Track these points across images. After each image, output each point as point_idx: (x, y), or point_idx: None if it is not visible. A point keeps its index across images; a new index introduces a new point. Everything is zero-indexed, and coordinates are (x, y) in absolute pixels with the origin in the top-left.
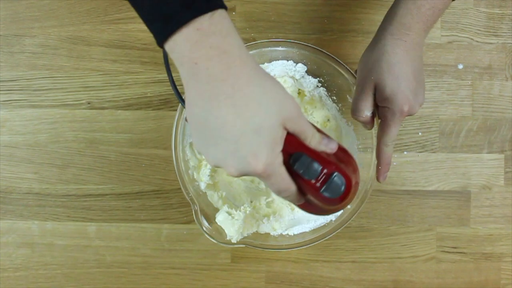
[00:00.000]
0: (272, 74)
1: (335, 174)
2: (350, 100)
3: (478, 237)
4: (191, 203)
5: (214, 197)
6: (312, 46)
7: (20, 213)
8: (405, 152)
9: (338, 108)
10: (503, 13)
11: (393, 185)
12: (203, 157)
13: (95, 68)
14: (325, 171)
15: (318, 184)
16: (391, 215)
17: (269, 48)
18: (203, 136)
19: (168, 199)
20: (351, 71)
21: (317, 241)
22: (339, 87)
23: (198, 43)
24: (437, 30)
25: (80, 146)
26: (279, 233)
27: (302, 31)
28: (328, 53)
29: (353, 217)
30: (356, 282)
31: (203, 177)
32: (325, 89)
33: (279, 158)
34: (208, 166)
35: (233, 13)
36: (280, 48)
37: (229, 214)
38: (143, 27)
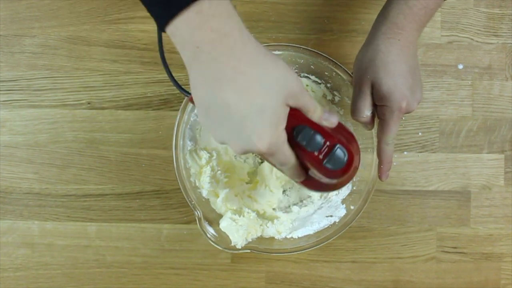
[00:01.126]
0: None
1: (337, 146)
2: (348, 101)
3: (478, 237)
4: (193, 210)
5: (217, 203)
6: (309, 48)
7: (20, 213)
8: (405, 152)
9: (337, 110)
10: (503, 13)
11: (393, 185)
12: (212, 136)
13: (95, 68)
14: (327, 143)
15: (321, 156)
16: (391, 215)
17: None
18: (209, 116)
19: (168, 199)
20: (349, 72)
21: (321, 243)
22: (338, 88)
23: (199, 26)
24: (437, 30)
25: (80, 146)
26: (284, 237)
27: (302, 31)
28: (325, 54)
29: (357, 217)
30: (356, 282)
31: (204, 184)
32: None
33: (283, 135)
34: (208, 173)
35: None
36: (276, 52)
37: (233, 220)
38: (143, 27)
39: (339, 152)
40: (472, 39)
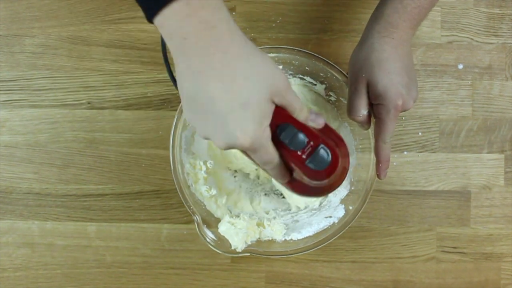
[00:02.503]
0: None
1: (321, 146)
2: (344, 101)
3: (478, 237)
4: (192, 215)
5: (212, 207)
6: (303, 50)
7: (20, 213)
8: (405, 152)
9: (335, 110)
10: (503, 13)
11: (393, 185)
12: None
13: (95, 68)
14: (311, 143)
15: (304, 156)
16: (391, 215)
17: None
18: (193, 109)
19: (168, 199)
20: (344, 72)
21: (321, 244)
22: (333, 89)
23: (188, 17)
24: (437, 30)
25: (80, 146)
26: (283, 239)
27: (302, 31)
28: (318, 55)
29: (356, 217)
30: (356, 282)
31: (202, 191)
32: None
33: (266, 132)
34: (203, 181)
35: (233, 13)
36: (270, 55)
37: (231, 223)
38: (143, 27)
39: (322, 152)
40: (472, 39)
